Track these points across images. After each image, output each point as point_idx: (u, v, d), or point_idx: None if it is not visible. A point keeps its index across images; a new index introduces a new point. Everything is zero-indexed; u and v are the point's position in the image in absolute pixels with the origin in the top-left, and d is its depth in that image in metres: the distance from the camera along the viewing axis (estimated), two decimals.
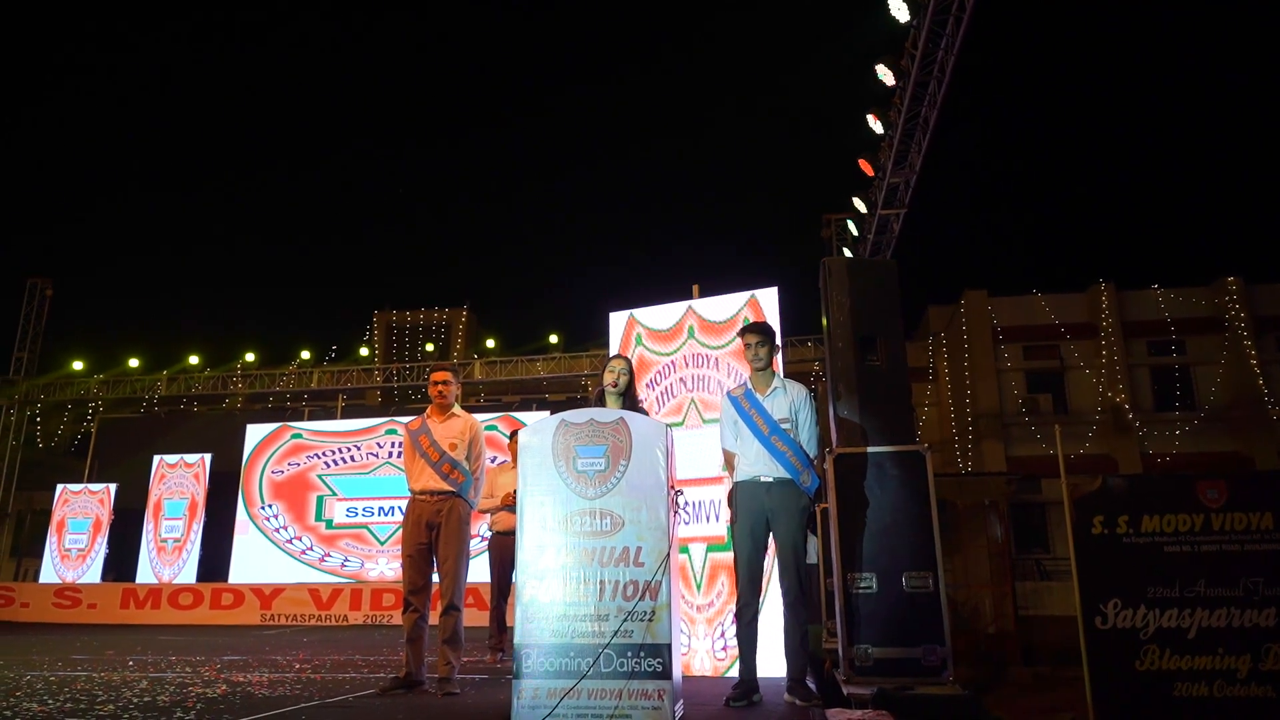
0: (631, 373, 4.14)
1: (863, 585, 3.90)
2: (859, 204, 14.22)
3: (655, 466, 3.22)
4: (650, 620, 3.06)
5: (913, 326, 21.92)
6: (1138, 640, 3.70)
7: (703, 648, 4.83)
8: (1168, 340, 18.71)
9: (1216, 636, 3.68)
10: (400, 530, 4.53)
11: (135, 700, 3.93)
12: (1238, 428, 17.76)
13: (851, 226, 15.15)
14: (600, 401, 4.06)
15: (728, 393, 4.12)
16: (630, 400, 4.06)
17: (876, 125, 12.46)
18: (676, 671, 3.13)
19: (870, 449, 4.09)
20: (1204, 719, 3.59)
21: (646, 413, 4.10)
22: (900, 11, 11.08)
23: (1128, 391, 18.33)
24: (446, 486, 4.36)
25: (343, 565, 13.85)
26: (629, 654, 3.03)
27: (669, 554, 3.13)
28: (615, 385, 4.04)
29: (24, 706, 3.75)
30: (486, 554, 6.59)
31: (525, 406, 18.14)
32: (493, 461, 13.04)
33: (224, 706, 3.71)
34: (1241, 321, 18.23)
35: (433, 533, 4.33)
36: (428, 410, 4.59)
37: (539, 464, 3.29)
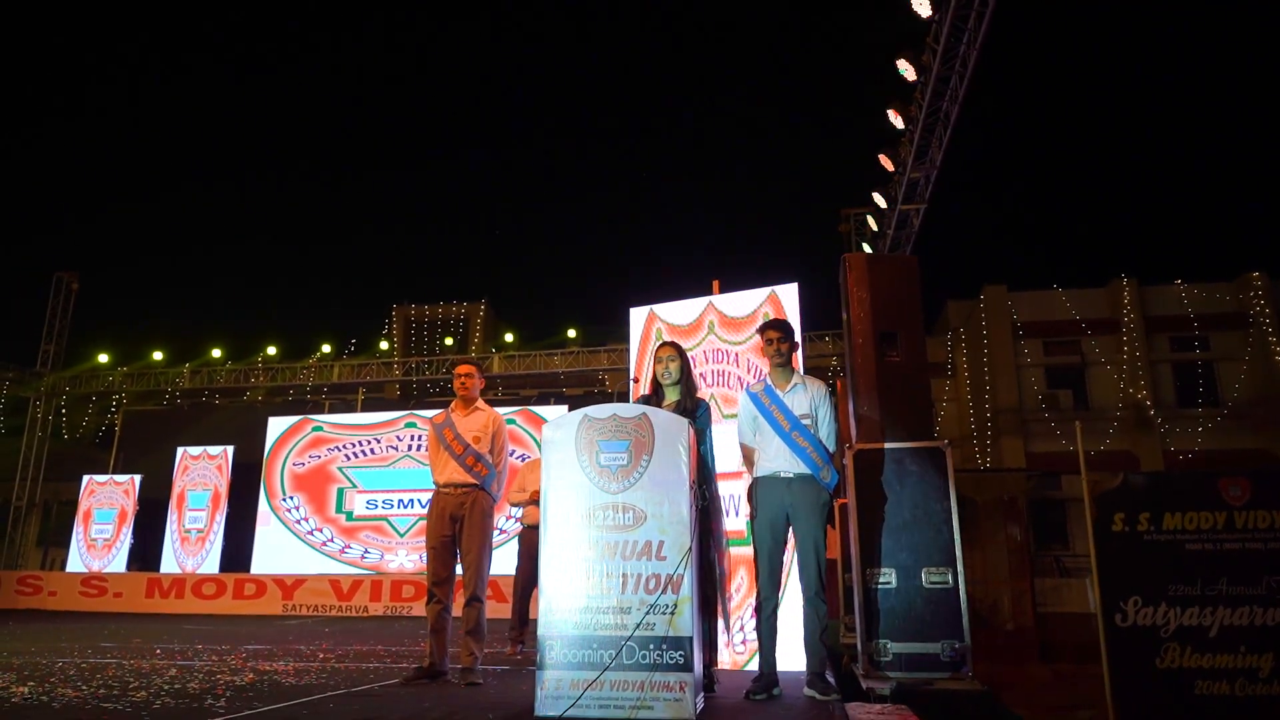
0: (683, 358, 4.04)
1: (882, 581, 3.93)
2: (879, 199, 14.15)
3: (678, 461, 3.25)
4: (672, 613, 3.09)
5: (932, 321, 21.79)
6: (1158, 638, 3.70)
7: (721, 641, 4.86)
8: (1191, 336, 18.49)
9: (1238, 635, 3.67)
10: (420, 522, 4.59)
11: (166, 687, 4.01)
12: (1262, 425, 17.53)
13: (871, 221, 15.08)
14: (656, 395, 4.02)
15: (746, 389, 4.13)
16: (688, 388, 3.98)
17: (897, 120, 12.40)
18: (697, 664, 3.17)
19: (890, 445, 4.10)
20: (1225, 717, 3.59)
21: (704, 400, 4.09)
22: (922, 6, 11.01)
23: (1150, 387, 18.15)
24: (470, 479, 4.41)
25: (363, 557, 14.00)
26: (651, 646, 3.07)
27: (691, 548, 3.16)
28: (668, 375, 3.97)
29: (59, 692, 3.84)
30: (515, 545, 6.63)
31: (543, 400, 18.22)
32: (514, 455, 13.13)
33: (253, 694, 3.79)
34: (1266, 317, 17.99)
35: (456, 525, 4.38)
36: (452, 404, 4.64)
37: (562, 458, 3.33)
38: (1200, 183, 47.33)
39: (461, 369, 4.60)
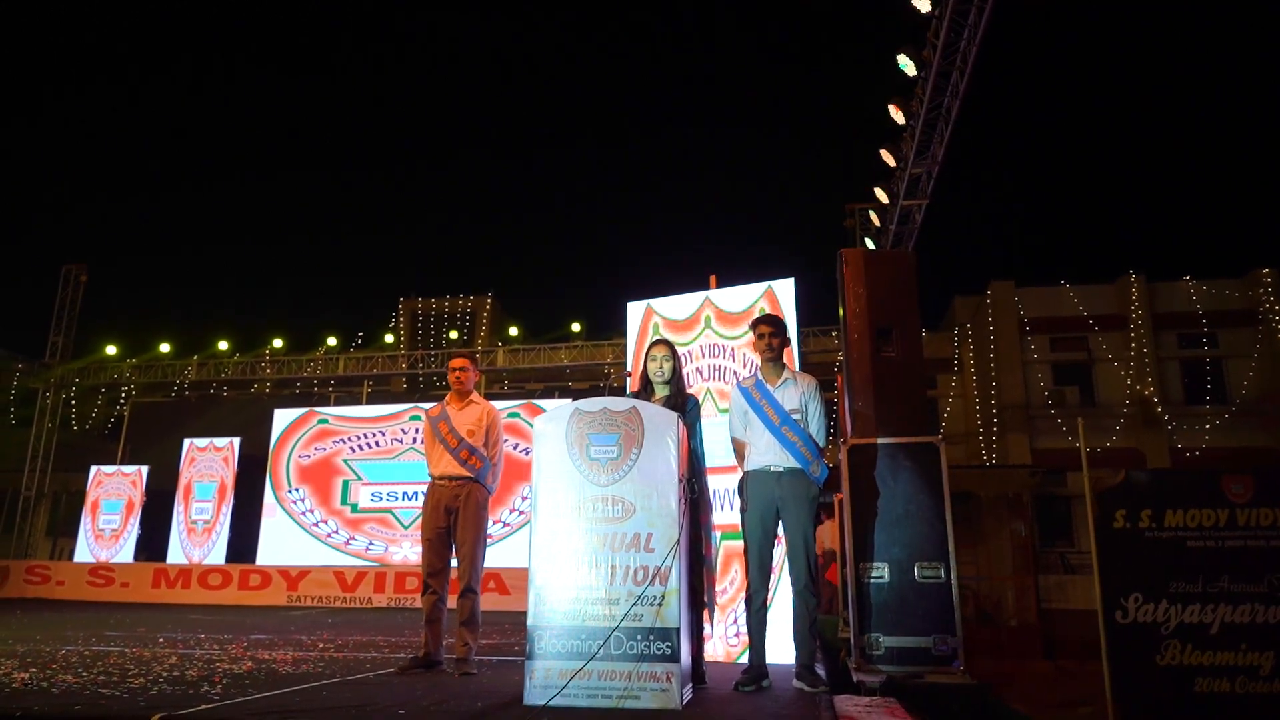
0: (676, 357, 4.03)
1: (875, 575, 3.93)
2: (880, 195, 14.08)
3: (667, 455, 3.27)
4: (660, 605, 3.11)
5: (939, 317, 21.72)
6: (1159, 635, 3.69)
7: (716, 633, 4.88)
8: (1199, 333, 18.36)
9: (1239, 633, 3.65)
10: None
11: (165, 675, 4.05)
12: (1271, 422, 17.41)
13: (874, 217, 15.00)
14: (645, 391, 4.01)
15: (738, 383, 4.14)
16: (678, 386, 3.98)
17: (898, 115, 12.32)
18: (685, 655, 3.18)
19: (884, 440, 4.10)
20: (1225, 715, 3.58)
21: (693, 395, 4.08)
22: (921, 2, 10.94)
23: (1157, 384, 18.04)
24: (465, 472, 4.44)
25: (367, 549, 14.07)
26: (638, 637, 3.09)
27: (679, 540, 3.17)
28: (660, 374, 3.96)
29: (60, 679, 3.89)
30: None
31: (548, 394, 18.25)
32: (516, 449, 13.15)
33: (249, 681, 3.83)
34: (1276, 314, 17.85)
35: (451, 517, 4.41)
36: (447, 397, 4.67)
37: (553, 451, 3.35)
38: (1210, 178, 46.98)
39: (456, 362, 4.62)
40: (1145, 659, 3.71)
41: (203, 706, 3.09)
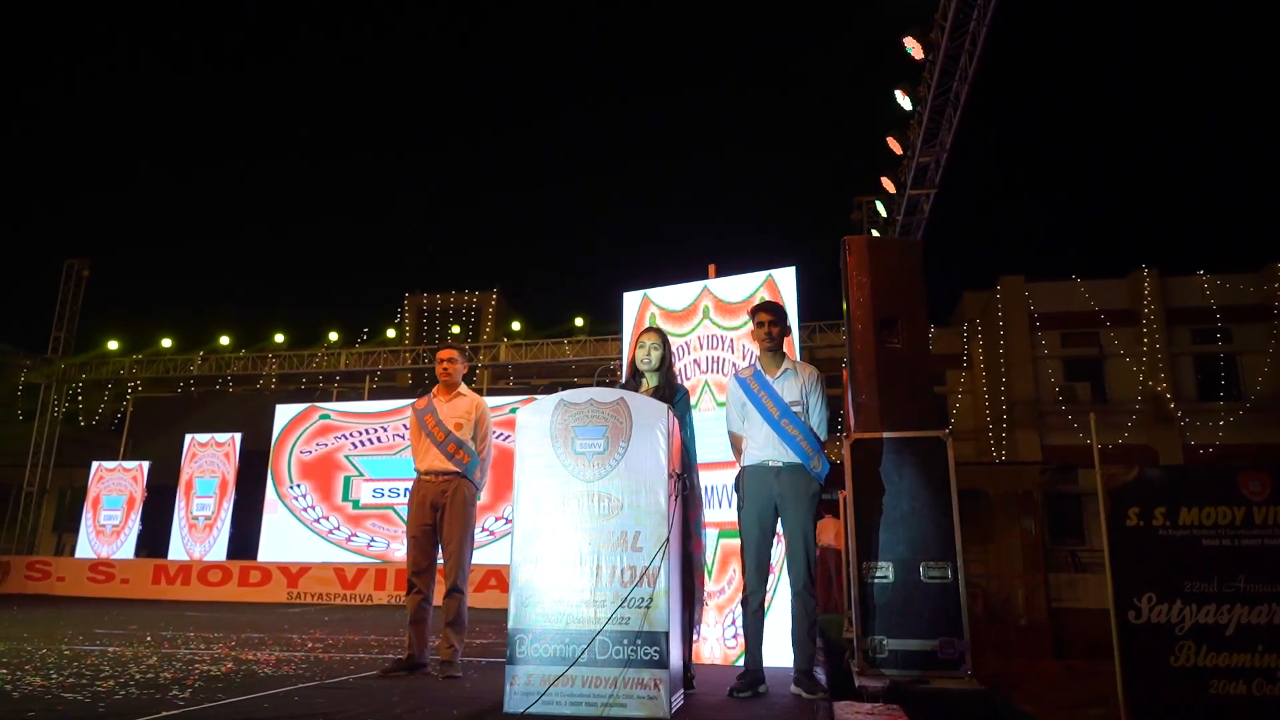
0: (666, 345, 3.88)
1: (879, 574, 3.77)
2: (887, 184, 13.81)
3: (656, 449, 3.09)
4: (648, 607, 2.94)
5: (948, 312, 21.50)
6: (1173, 636, 3.60)
7: (713, 635, 4.71)
8: (1213, 328, 18.09)
9: (1256, 634, 3.58)
10: None
11: (137, 676, 3.91)
12: None
13: (880, 207, 14.73)
14: (634, 382, 3.86)
15: (735, 374, 3.95)
16: (666, 377, 3.83)
17: (905, 101, 12.03)
18: (675, 660, 3.01)
19: (889, 434, 3.93)
20: (1241, 718, 3.43)
21: (683, 387, 3.93)
22: None
23: (1170, 380, 17.78)
24: (452, 467, 4.27)
25: (369, 545, 13.96)
26: (625, 641, 2.92)
27: (668, 539, 3.00)
28: (647, 361, 3.81)
29: (27, 681, 3.75)
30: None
31: (551, 390, 18.12)
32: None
33: (222, 685, 3.67)
34: None
35: (437, 513, 4.24)
36: (434, 389, 4.51)
37: (536, 445, 3.17)
38: (1224, 171, 46.48)
39: (443, 354, 4.46)
40: (1159, 660, 3.62)
41: (163, 713, 2.94)
